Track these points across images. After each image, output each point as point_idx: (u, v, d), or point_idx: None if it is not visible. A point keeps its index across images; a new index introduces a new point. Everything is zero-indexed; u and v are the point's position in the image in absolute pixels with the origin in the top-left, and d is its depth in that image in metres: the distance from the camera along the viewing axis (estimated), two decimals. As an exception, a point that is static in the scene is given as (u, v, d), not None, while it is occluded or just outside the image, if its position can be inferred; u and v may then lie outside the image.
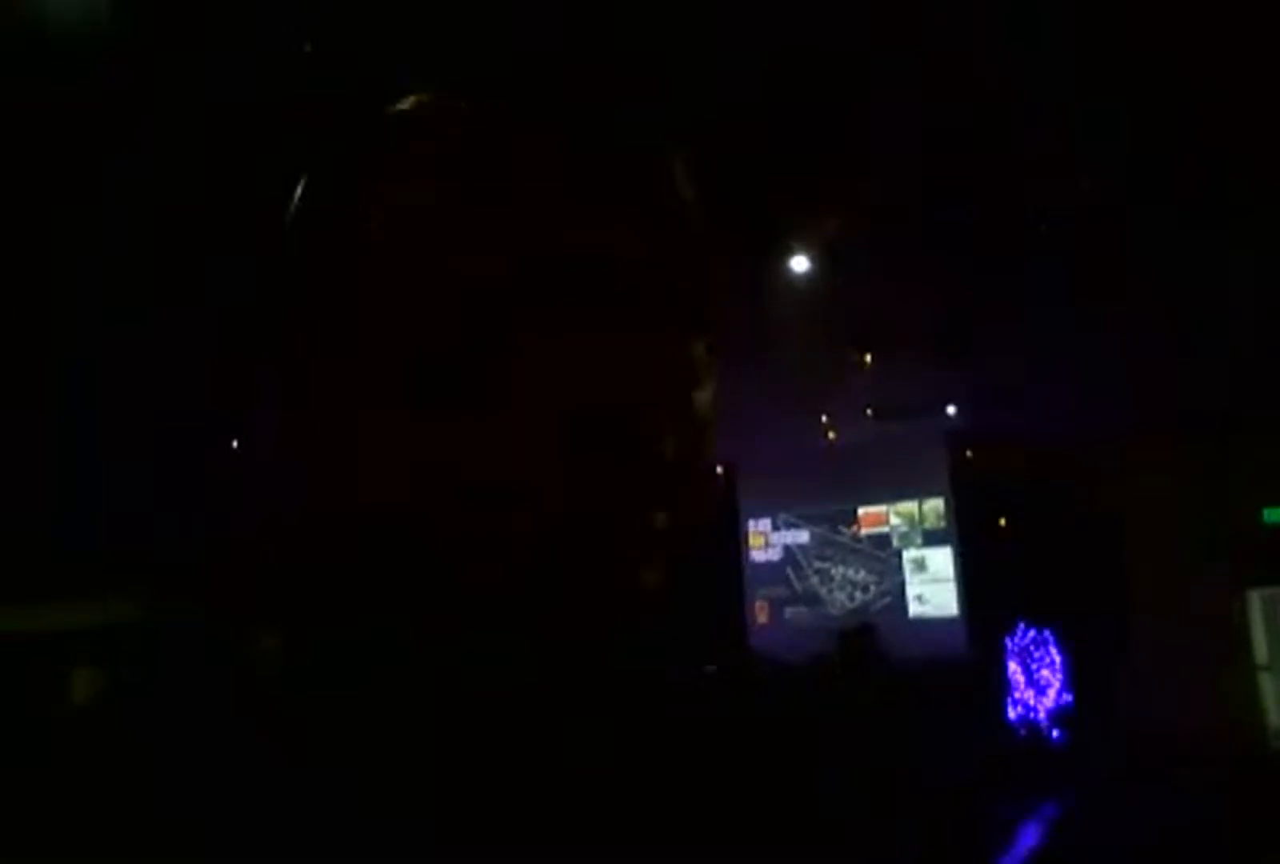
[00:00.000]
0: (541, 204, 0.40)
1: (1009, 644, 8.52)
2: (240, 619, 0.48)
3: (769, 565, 10.53)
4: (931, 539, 9.72)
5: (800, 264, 4.99)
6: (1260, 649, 8.32)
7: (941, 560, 9.65)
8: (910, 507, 9.85)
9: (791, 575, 10.41)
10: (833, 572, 10.22)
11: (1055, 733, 8.15)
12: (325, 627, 0.44)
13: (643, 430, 0.41)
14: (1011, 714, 8.28)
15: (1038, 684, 8.34)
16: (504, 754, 0.41)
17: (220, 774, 0.39)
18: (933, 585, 9.67)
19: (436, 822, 0.39)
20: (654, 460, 0.41)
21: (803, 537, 10.42)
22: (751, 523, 10.65)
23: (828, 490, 9.98)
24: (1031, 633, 8.51)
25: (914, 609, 9.72)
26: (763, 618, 10.16)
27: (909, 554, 9.85)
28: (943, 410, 8.21)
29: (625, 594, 0.42)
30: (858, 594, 10.05)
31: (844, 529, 10.19)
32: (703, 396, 0.44)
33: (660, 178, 0.44)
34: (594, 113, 0.43)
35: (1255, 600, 8.36)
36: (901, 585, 9.82)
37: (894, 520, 9.94)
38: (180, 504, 8.19)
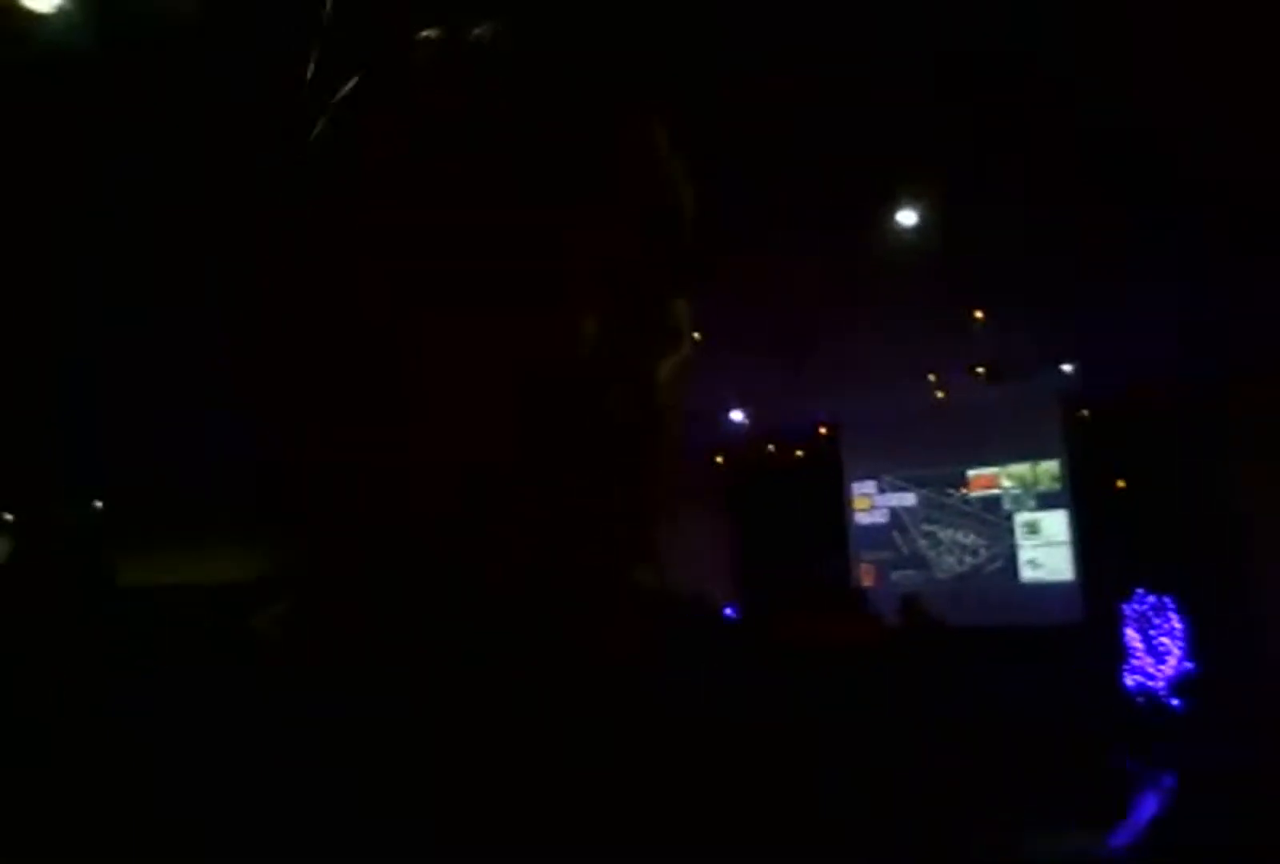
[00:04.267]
0: (539, 203, 0.40)
1: (1127, 610, 8.28)
2: (241, 615, 0.48)
3: (874, 528, 10.42)
4: (1046, 502, 9.48)
5: (909, 218, 4.85)
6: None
7: (1056, 524, 9.41)
8: (1023, 469, 9.60)
9: (898, 538, 10.29)
10: (940, 535, 10.07)
11: (1175, 702, 7.90)
12: (325, 626, 0.45)
13: (641, 421, 0.41)
14: (1129, 682, 8.07)
15: (1156, 652, 8.08)
16: (505, 754, 0.41)
17: (220, 773, 0.39)
18: (1047, 549, 9.45)
19: (436, 822, 0.39)
20: (651, 453, 0.41)
21: (909, 499, 10.27)
22: (856, 485, 10.54)
23: (935, 452, 9.80)
24: (1151, 599, 8.24)
25: (1026, 574, 9.52)
26: (869, 581, 10.07)
27: (1021, 517, 9.63)
28: (1057, 369, 7.91)
29: (626, 594, 0.43)
30: (967, 558, 9.89)
31: (952, 491, 10.01)
32: (671, 365, 0.43)
33: (660, 176, 0.44)
34: (594, 111, 0.42)
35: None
36: (1013, 549, 9.62)
37: (1005, 482, 9.72)
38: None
